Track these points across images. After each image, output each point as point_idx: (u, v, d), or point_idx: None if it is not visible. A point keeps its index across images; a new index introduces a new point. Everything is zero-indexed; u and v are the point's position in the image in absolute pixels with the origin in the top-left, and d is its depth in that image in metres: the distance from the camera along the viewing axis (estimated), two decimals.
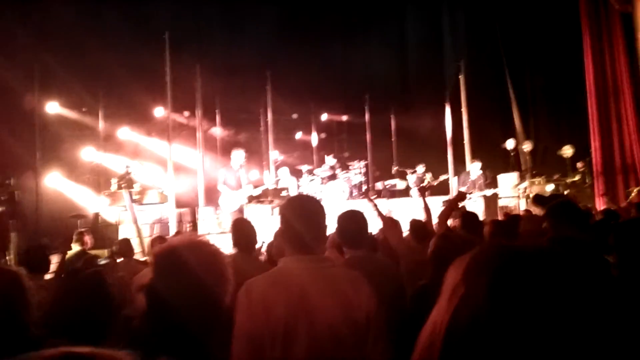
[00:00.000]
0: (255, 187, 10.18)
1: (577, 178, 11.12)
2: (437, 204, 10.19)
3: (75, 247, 6.27)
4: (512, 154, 12.01)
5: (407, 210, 11.99)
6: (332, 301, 2.00)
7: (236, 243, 3.83)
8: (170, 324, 1.43)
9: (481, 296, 0.80)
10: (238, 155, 9.69)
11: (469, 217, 4.90)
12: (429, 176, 13.05)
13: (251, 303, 1.96)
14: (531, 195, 10.50)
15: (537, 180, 11.33)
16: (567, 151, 11.08)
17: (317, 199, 2.33)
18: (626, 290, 2.09)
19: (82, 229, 6.79)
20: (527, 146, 11.52)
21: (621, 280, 2.23)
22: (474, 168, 11.02)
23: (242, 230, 3.85)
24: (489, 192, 10.59)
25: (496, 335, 0.77)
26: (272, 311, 1.94)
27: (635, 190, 9.82)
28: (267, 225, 10.15)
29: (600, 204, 10.30)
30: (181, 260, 1.52)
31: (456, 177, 11.79)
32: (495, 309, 0.79)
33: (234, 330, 1.94)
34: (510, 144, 12.07)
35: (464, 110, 12.41)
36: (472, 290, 0.82)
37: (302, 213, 2.13)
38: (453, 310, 0.83)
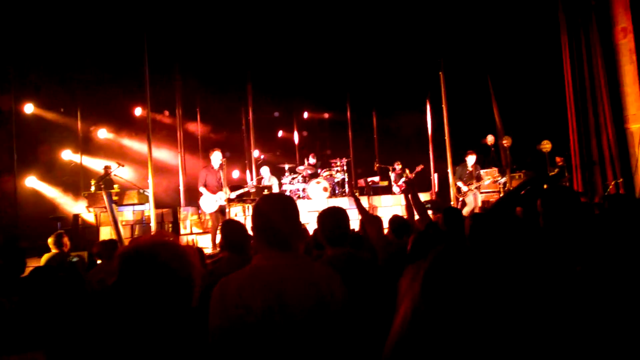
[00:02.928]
0: (237, 186, 10.15)
1: (555, 172, 11.26)
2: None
3: (54, 250, 6.17)
4: (492, 149, 12.13)
5: (389, 207, 12.09)
6: (307, 297, 2.01)
7: (227, 245, 3.81)
8: (133, 324, 1.41)
9: (417, 298, 0.90)
10: (216, 155, 9.70)
11: (451, 212, 4.93)
12: (407, 171, 13.23)
13: (226, 300, 1.94)
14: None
15: (517, 175, 11.47)
16: (546, 146, 11.21)
17: (291, 197, 2.32)
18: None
19: (60, 231, 6.69)
20: (506, 141, 11.64)
21: (548, 247, 2.35)
22: (470, 160, 11.18)
23: (232, 232, 3.82)
24: (488, 180, 10.86)
25: (430, 331, 0.86)
26: (248, 306, 1.93)
27: (612, 184, 9.95)
28: (249, 224, 10.18)
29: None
30: (145, 261, 1.50)
31: (453, 169, 11.93)
32: (427, 308, 0.88)
33: (209, 327, 1.93)
34: (489, 139, 12.19)
35: (444, 106, 12.48)
36: (412, 293, 0.92)
37: (276, 210, 2.13)
38: (402, 311, 0.92)
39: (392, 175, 13.53)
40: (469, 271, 0.90)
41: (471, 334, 0.84)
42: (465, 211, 10.45)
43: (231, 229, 3.86)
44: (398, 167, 13.57)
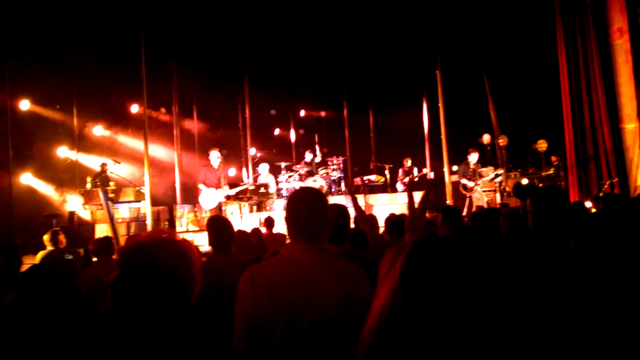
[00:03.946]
0: (234, 184, 10.17)
1: (551, 172, 11.31)
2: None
3: (49, 247, 6.16)
4: (488, 148, 12.17)
5: (385, 206, 12.11)
6: (334, 290, 2.05)
7: (211, 241, 3.81)
8: (134, 320, 1.42)
9: (396, 284, 0.90)
10: (214, 154, 9.75)
11: (449, 211, 4.94)
12: (416, 170, 13.37)
13: (255, 288, 2.01)
14: (507, 189, 10.71)
15: (512, 174, 11.52)
16: (542, 145, 11.26)
17: (321, 192, 2.40)
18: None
19: (56, 228, 6.67)
20: (502, 141, 11.68)
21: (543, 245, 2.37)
22: (473, 159, 11.20)
23: (218, 229, 3.81)
24: (491, 176, 10.93)
25: (408, 319, 0.86)
26: (277, 296, 1.99)
27: (607, 183, 10.00)
28: (246, 222, 10.18)
29: (573, 197, 10.48)
30: (147, 258, 1.51)
31: (455, 167, 11.97)
32: (405, 295, 0.88)
33: (235, 314, 2.00)
34: (486, 138, 12.23)
35: (440, 105, 12.51)
36: (391, 278, 0.91)
37: (307, 203, 2.21)
38: (380, 297, 0.92)
39: (400, 172, 13.57)
40: (451, 259, 0.89)
41: (452, 324, 0.83)
42: (474, 207, 10.53)
43: (217, 226, 3.83)
44: (407, 163, 13.61)
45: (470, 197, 11.18)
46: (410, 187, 4.39)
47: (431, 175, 13.36)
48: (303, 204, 2.21)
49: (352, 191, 6.17)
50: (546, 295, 1.93)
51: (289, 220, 2.23)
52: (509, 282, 0.91)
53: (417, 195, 4.40)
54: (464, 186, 11.26)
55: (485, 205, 10.61)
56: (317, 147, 13.11)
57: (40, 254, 6.12)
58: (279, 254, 2.22)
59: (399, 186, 13.35)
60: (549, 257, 2.38)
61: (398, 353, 0.85)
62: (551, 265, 2.31)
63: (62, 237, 6.30)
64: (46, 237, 6.21)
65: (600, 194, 9.13)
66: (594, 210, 7.44)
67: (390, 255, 0.96)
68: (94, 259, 6.13)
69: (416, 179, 12.91)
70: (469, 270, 0.87)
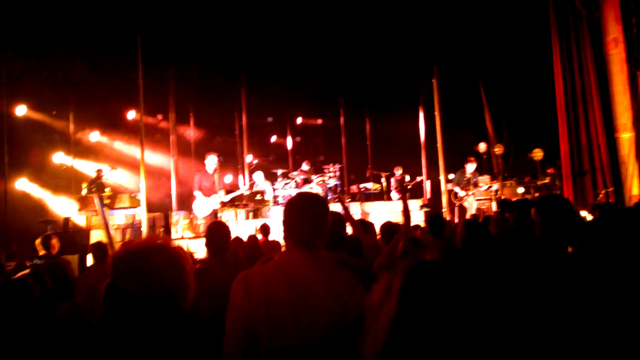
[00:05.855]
0: (230, 191, 10.14)
1: (547, 180, 11.33)
2: (413, 206, 10.47)
3: (41, 252, 6.12)
4: (484, 157, 12.19)
5: (382, 213, 12.10)
6: (330, 299, 2.01)
7: (208, 247, 3.80)
8: (126, 327, 1.41)
9: (394, 315, 0.91)
10: (211, 160, 9.71)
11: (434, 220, 4.95)
12: (407, 178, 13.35)
13: (249, 293, 1.95)
14: (503, 197, 10.73)
15: (508, 182, 11.54)
16: (537, 154, 11.29)
17: (322, 198, 2.33)
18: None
19: (49, 233, 6.63)
20: (498, 149, 11.71)
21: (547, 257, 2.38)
22: (470, 168, 11.21)
23: (215, 235, 3.81)
24: (486, 186, 10.94)
25: (406, 337, 0.88)
26: (273, 302, 1.94)
27: (602, 193, 10.03)
28: (241, 229, 10.16)
29: None
30: (140, 264, 1.50)
31: (452, 175, 11.99)
32: (406, 325, 0.89)
33: (227, 320, 1.94)
34: (482, 147, 12.26)
35: (437, 113, 12.54)
36: (387, 310, 0.93)
37: (307, 210, 2.16)
38: (379, 319, 0.93)
39: (392, 181, 13.56)
40: (454, 284, 0.90)
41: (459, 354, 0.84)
42: (468, 215, 10.56)
43: (216, 231, 3.83)
44: (398, 172, 13.60)
45: (461, 205, 11.23)
46: (402, 192, 4.38)
47: (407, 179, 13.33)
48: (302, 210, 2.16)
49: (342, 199, 6.20)
50: (546, 305, 1.93)
51: (286, 225, 2.17)
52: (504, 302, 0.93)
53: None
54: (455, 194, 11.30)
55: (475, 212, 10.66)
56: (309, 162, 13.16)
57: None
58: (274, 260, 2.17)
59: (394, 195, 13.37)
60: (552, 264, 2.39)
61: None
62: (554, 273, 2.31)
63: (54, 242, 6.24)
64: (38, 242, 6.17)
65: (596, 202, 9.15)
66: (590, 218, 7.44)
67: (381, 287, 0.98)
68: (88, 265, 6.09)
69: (409, 187, 12.90)
70: (465, 300, 0.88)
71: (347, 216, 4.47)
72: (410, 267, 0.95)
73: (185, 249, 9.60)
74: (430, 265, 0.93)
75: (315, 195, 2.31)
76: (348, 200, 12.69)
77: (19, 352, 1.87)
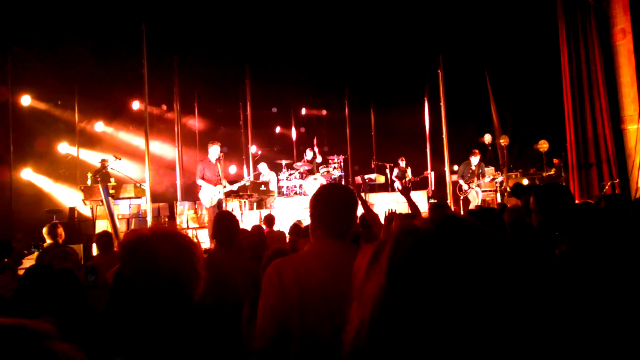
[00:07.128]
0: (234, 181, 10.12)
1: (552, 172, 11.29)
2: (417, 198, 10.47)
3: (49, 240, 6.17)
4: (489, 148, 12.15)
5: (386, 204, 12.10)
6: None
7: (216, 236, 3.77)
8: (134, 313, 1.40)
9: (383, 275, 0.82)
10: (214, 149, 9.66)
11: (437, 208, 4.92)
12: (409, 171, 13.28)
13: (283, 282, 1.94)
14: (508, 189, 10.70)
15: (513, 174, 11.51)
16: (543, 146, 11.24)
17: (351, 189, 2.31)
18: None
19: (55, 222, 6.66)
20: (503, 141, 11.66)
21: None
22: (474, 160, 11.15)
23: (223, 225, 3.78)
24: (488, 179, 10.90)
25: (404, 322, 0.79)
26: (306, 291, 1.93)
27: (608, 184, 9.99)
28: (246, 219, 10.17)
29: (575, 197, 10.48)
30: (149, 251, 1.49)
31: (456, 166, 11.95)
32: (391, 285, 0.80)
33: (260, 308, 1.93)
34: (487, 138, 12.20)
35: (442, 104, 12.48)
36: (375, 281, 0.83)
37: (333, 200, 2.16)
38: (365, 289, 0.85)
39: (395, 170, 13.52)
40: (451, 253, 0.81)
41: (444, 322, 0.77)
42: (471, 207, 10.53)
43: (224, 221, 3.80)
44: (402, 162, 13.52)
45: (466, 198, 11.19)
46: (404, 192, 4.31)
47: (409, 174, 13.28)
48: (334, 201, 2.16)
49: (360, 192, 6.14)
50: (549, 292, 1.91)
51: (316, 216, 2.16)
52: (508, 279, 0.83)
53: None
54: (460, 187, 11.27)
55: (480, 204, 10.63)
56: (316, 149, 13.06)
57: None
58: (306, 250, 2.15)
59: (397, 184, 13.33)
60: (550, 254, 2.37)
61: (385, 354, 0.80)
62: (552, 263, 2.30)
63: (60, 231, 6.31)
64: (45, 230, 6.23)
65: (601, 194, 9.11)
66: None
67: (367, 255, 0.89)
68: (94, 254, 6.12)
69: (409, 185, 12.87)
70: (461, 263, 0.79)
71: (365, 209, 4.45)
72: (401, 233, 0.85)
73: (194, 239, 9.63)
74: (424, 232, 0.83)
75: (345, 187, 2.31)
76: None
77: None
